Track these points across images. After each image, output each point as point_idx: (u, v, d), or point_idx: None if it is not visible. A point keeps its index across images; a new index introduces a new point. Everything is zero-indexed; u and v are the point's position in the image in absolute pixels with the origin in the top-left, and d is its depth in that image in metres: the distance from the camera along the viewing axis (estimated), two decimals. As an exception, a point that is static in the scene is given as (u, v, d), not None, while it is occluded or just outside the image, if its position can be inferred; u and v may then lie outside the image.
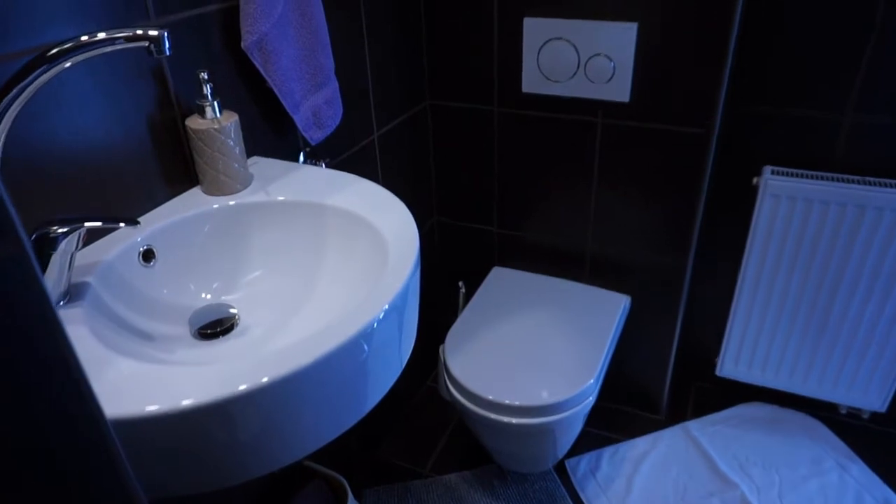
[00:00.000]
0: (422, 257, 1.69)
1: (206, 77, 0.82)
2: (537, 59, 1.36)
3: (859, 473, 1.54)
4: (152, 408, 0.54)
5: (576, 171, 1.46)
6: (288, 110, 1.00)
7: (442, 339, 1.42)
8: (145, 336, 0.73)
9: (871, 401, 1.54)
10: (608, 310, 1.48)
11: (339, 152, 1.24)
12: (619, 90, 1.33)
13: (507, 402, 1.25)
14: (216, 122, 0.84)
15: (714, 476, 1.54)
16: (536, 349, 1.36)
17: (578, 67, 1.33)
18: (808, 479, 1.53)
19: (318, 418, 0.67)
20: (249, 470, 0.64)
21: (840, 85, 1.32)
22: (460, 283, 1.68)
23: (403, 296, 0.71)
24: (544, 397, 1.25)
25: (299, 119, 1.03)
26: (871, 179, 1.34)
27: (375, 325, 0.67)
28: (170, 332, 0.75)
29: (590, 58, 1.31)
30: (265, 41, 0.91)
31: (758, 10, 1.30)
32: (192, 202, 0.84)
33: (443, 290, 1.80)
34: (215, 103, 0.84)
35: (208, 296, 0.81)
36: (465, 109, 1.51)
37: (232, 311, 0.80)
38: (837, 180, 1.34)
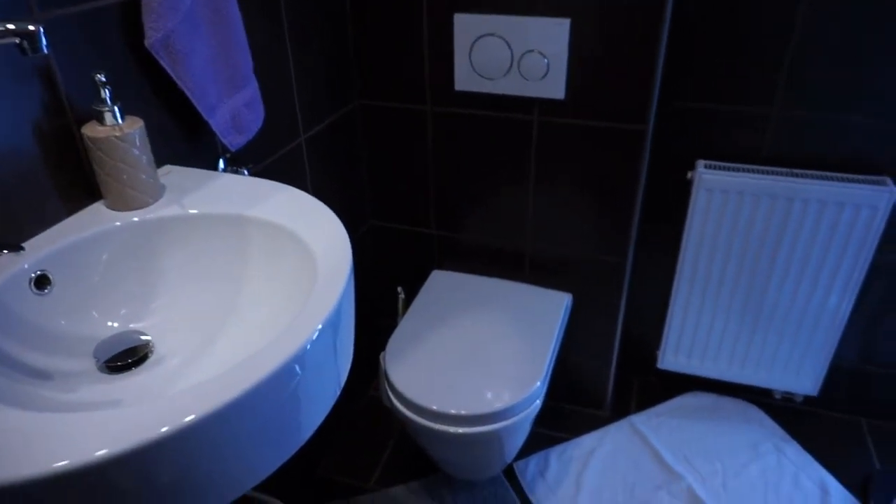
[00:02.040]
0: (358, 263, 1.62)
1: (102, 79, 0.74)
2: (469, 56, 1.32)
3: (795, 455, 1.58)
4: (58, 464, 0.46)
5: (513, 169, 1.43)
6: (203, 114, 0.92)
7: (383, 347, 1.36)
8: (41, 374, 0.64)
9: (804, 385, 1.58)
10: (551, 309, 1.46)
11: (263, 158, 1.16)
12: (554, 87, 1.30)
13: (452, 411, 1.20)
14: (117, 129, 0.75)
15: (660, 469, 1.55)
16: (480, 354, 1.32)
17: (512, 64, 1.30)
18: (749, 464, 1.55)
19: (251, 454, 0.61)
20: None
21: (767, 80, 1.34)
22: (399, 289, 1.63)
23: (337, 312, 0.65)
24: (490, 404, 1.21)
25: (216, 123, 0.95)
26: (798, 171, 1.37)
27: (309, 346, 0.61)
28: (72, 367, 0.67)
29: (523, 54, 1.28)
30: (172, 39, 0.83)
31: (687, 6, 1.30)
32: (92, 219, 0.75)
33: (382, 296, 1.74)
34: (115, 108, 0.75)
35: (115, 324, 0.73)
36: (397, 109, 1.46)
37: (144, 339, 0.72)
38: (767, 173, 1.37)
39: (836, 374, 1.61)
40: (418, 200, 1.57)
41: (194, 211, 0.78)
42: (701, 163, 1.42)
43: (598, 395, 1.71)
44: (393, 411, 1.28)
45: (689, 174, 1.42)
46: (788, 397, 1.70)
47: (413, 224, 1.61)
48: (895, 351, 1.56)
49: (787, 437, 1.63)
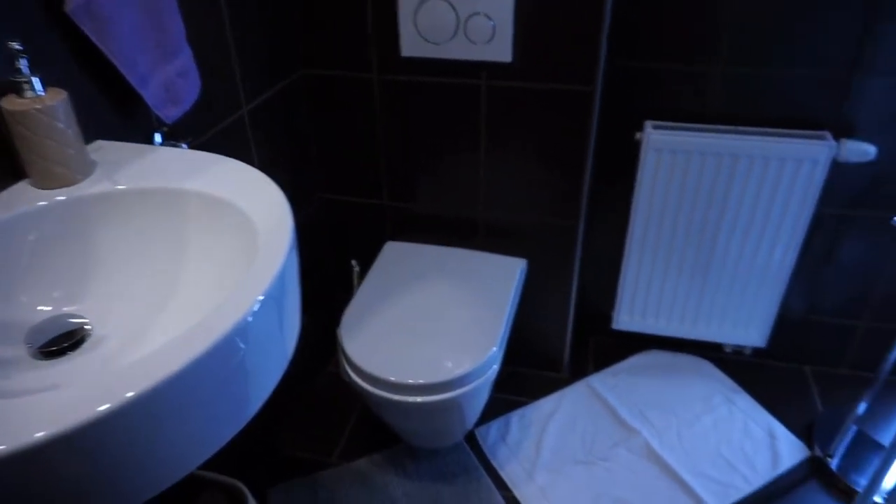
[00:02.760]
0: (311, 238, 1.59)
1: (19, 48, 0.69)
2: (415, 20, 1.29)
3: (745, 404, 1.64)
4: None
5: (463, 136, 1.42)
6: (134, 85, 0.87)
7: (340, 322, 1.35)
8: (-32, 364, 0.61)
9: (753, 337, 1.63)
10: (505, 275, 1.46)
11: (204, 131, 1.11)
12: (501, 50, 1.28)
13: (410, 381, 1.20)
14: (38, 101, 0.71)
15: (618, 426, 1.59)
16: (436, 323, 1.32)
17: (458, 28, 1.27)
18: (702, 416, 1.61)
19: (198, 429, 0.59)
20: (122, 501, 0.55)
21: (709, 39, 1.35)
22: (353, 262, 1.61)
23: (280, 283, 0.63)
24: (448, 372, 1.21)
25: (149, 95, 0.90)
26: (743, 129, 1.40)
27: (251, 318, 0.59)
28: (2, 354, 0.64)
29: (469, 17, 1.26)
30: (95, 4, 0.78)
31: (629, -36, 1.30)
32: (15, 199, 0.71)
33: (337, 270, 1.72)
34: (35, 80, 0.70)
35: (47, 308, 0.69)
36: (342, 78, 1.42)
37: (80, 322, 0.69)
38: (713, 132, 1.39)
39: (782, 326, 1.67)
40: (369, 171, 1.54)
41: (127, 187, 0.75)
42: (649, 123, 1.43)
43: (556, 357, 1.73)
44: (351, 385, 1.27)
45: (638, 135, 1.43)
46: (738, 350, 1.76)
47: (365, 196, 1.59)
48: (835, 301, 1.62)
49: (738, 388, 1.69)
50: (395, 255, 1.54)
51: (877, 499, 1.32)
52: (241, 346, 0.60)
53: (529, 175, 1.43)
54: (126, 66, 0.85)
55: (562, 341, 1.69)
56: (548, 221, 1.49)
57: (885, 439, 1.53)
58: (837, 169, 1.40)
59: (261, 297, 0.60)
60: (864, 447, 1.51)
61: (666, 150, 1.39)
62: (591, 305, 1.78)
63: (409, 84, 1.38)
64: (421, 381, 1.21)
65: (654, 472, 1.47)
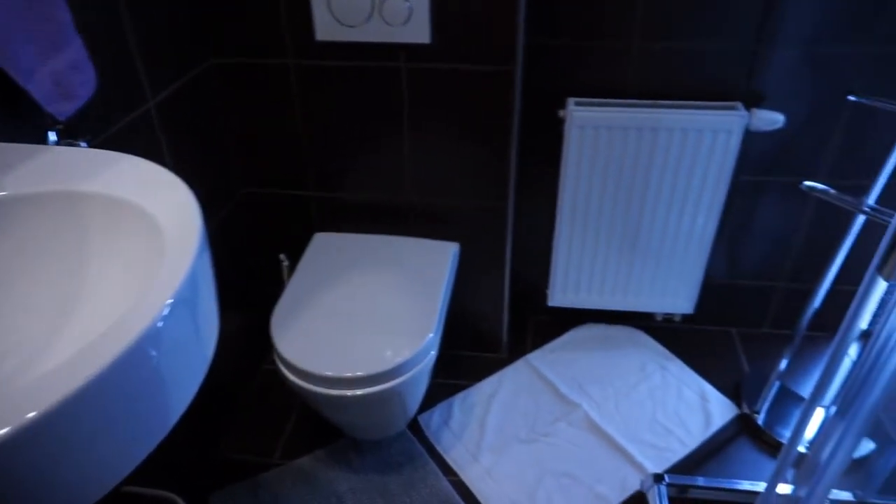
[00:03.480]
0: (236, 233, 1.53)
1: None
2: (328, 2, 1.24)
3: (677, 370, 1.70)
4: None
5: (386, 120, 1.39)
6: (18, 80, 0.80)
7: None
8: None
9: (681, 305, 1.69)
10: (438, 260, 1.45)
11: (105, 128, 1.04)
12: (419, 31, 1.26)
13: (347, 374, 1.18)
14: None
15: (558, 401, 1.61)
16: (370, 312, 1.30)
17: (373, 9, 1.24)
18: (637, 385, 1.65)
19: (114, 444, 0.55)
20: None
21: (625, 14, 1.36)
22: (282, 256, 1.56)
23: (191, 285, 0.59)
24: (385, 362, 1.19)
25: (36, 90, 0.83)
26: (662, 102, 1.43)
27: (161, 324, 0.55)
28: None
29: (383, -2, 1.22)
30: (-38, -8, 0.71)
31: (542, -60, 1.29)
32: None
33: (266, 265, 1.66)
34: None
35: (-69, 329, 0.63)
36: (256, 65, 1.36)
37: (-30, 342, 0.63)
38: (633, 106, 1.41)
39: (708, 292, 1.73)
40: (292, 162, 1.49)
41: (16, 191, 0.68)
42: (571, 100, 1.44)
43: (495, 338, 1.74)
44: (287, 383, 1.23)
45: (561, 112, 1.43)
46: (668, 318, 1.81)
47: (289, 187, 1.53)
48: (755, 264, 1.70)
49: (670, 354, 1.74)
50: (325, 247, 1.50)
51: (800, 448, 1.39)
52: (153, 353, 0.57)
53: (456, 157, 1.42)
54: (6, 59, 0.78)
55: (499, 322, 1.70)
56: (477, 203, 1.48)
57: (806, 392, 1.61)
58: (750, 137, 1.46)
59: (170, 301, 0.56)
60: (786, 401, 1.59)
61: (588, 126, 1.40)
62: (526, 284, 1.80)
63: (327, 69, 1.34)
64: (359, 373, 1.18)
65: (596, 444, 1.50)
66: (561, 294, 1.71)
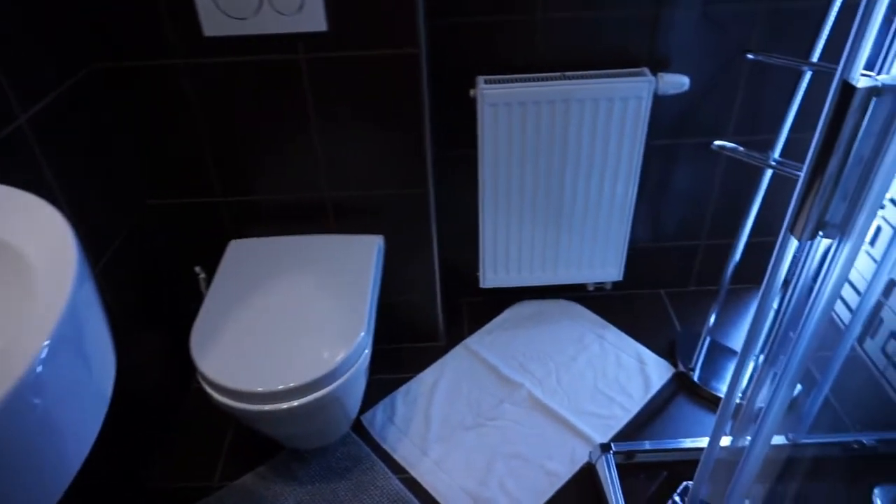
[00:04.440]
0: (144, 249, 1.43)
1: None
2: (212, -6, 1.16)
3: (614, 338, 1.72)
4: None
5: (291, 115, 1.32)
6: None
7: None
8: None
9: (610, 273, 1.70)
10: (362, 255, 1.40)
11: (-30, 150, 0.93)
12: (314, 19, 1.19)
13: (279, 387, 1.12)
14: None
15: (500, 382, 1.60)
16: (296, 319, 1.24)
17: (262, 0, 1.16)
18: (577, 357, 1.66)
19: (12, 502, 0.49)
20: None
21: (524, -16, 1.34)
22: (197, 269, 1.47)
23: (72, 321, 0.53)
24: (317, 368, 1.14)
25: None
26: (570, 74, 1.42)
27: (40, 368, 0.49)
28: None
29: (271, -15, 1.15)
30: None
31: (433, -85, 1.25)
32: None
33: (182, 280, 1.56)
34: None
35: None
36: (144, 68, 1.26)
37: None
38: (543, 80, 1.39)
39: (635, 257, 1.76)
40: (196, 168, 1.40)
41: None
42: (481, 79, 1.41)
43: (431, 327, 1.71)
44: (215, 404, 1.16)
45: (472, 92, 1.40)
46: (600, 287, 1.83)
47: (197, 195, 1.44)
48: (675, 225, 1.73)
49: (605, 323, 1.77)
50: (241, 254, 1.42)
51: (738, 400, 1.43)
52: (37, 401, 0.51)
53: (369, 148, 1.37)
54: None
55: (433, 309, 1.67)
56: (397, 193, 1.44)
57: (735, 344, 1.67)
58: (659, 102, 1.47)
59: (47, 343, 0.50)
60: (718, 355, 1.63)
61: (500, 103, 1.38)
62: (457, 268, 1.77)
63: (221, 66, 1.25)
64: (291, 384, 1.13)
65: (541, 421, 1.50)
66: (492, 275, 1.69)
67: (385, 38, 1.22)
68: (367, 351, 1.25)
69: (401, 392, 1.60)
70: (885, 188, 0.53)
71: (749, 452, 1.02)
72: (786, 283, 0.86)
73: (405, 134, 1.34)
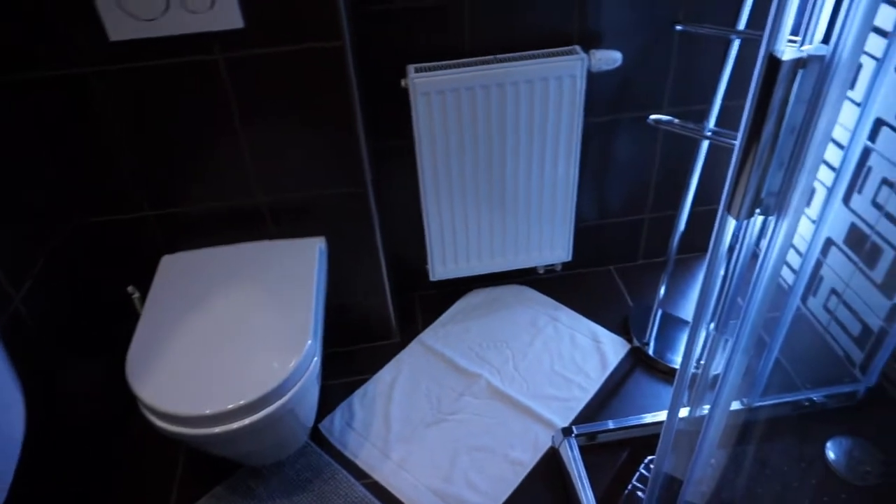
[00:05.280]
0: (75, 271, 1.34)
1: None
2: (113, -4, 1.08)
3: (567, 319, 1.72)
4: None
5: (214, 119, 1.25)
6: None
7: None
8: None
9: (559, 254, 1.70)
10: (303, 259, 1.35)
11: None
12: (228, 16, 1.13)
13: (228, 407, 1.06)
14: None
15: (458, 375, 1.58)
16: (238, 333, 1.18)
17: (170, -3, 1.09)
18: (532, 341, 1.65)
19: None
20: None
21: (447, -33, 1.30)
22: (130, 288, 1.39)
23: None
24: (266, 383, 1.09)
25: None
26: (502, 56, 1.39)
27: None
28: None
29: (178, -17, 1.08)
30: None
31: None
32: None
33: (118, 300, 1.48)
34: None
35: None
36: (49, 79, 1.17)
37: None
38: (474, 64, 1.36)
39: (582, 236, 1.76)
40: (119, 182, 1.31)
41: None
42: (412, 68, 1.37)
43: (384, 325, 1.67)
44: (160, 432, 1.10)
45: (403, 82, 1.36)
46: (550, 269, 1.82)
47: (123, 211, 1.36)
48: (620, 201, 1.73)
49: (558, 304, 1.76)
50: (176, 269, 1.35)
51: (693, 370, 1.44)
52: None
53: (301, 147, 1.31)
54: None
55: (384, 307, 1.63)
56: (335, 192, 1.39)
57: (685, 314, 1.69)
58: (593, 79, 1.46)
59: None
60: (670, 326, 1.65)
61: (433, 91, 1.34)
62: (405, 263, 1.73)
63: (133, 72, 1.17)
64: (241, 402, 1.07)
65: (502, 410, 1.48)
66: (441, 267, 1.66)
67: (306, 31, 1.16)
68: (316, 358, 1.20)
69: (358, 395, 1.56)
70: (819, 158, 0.52)
71: (709, 421, 1.02)
72: (730, 249, 0.86)
73: (337, 130, 1.29)
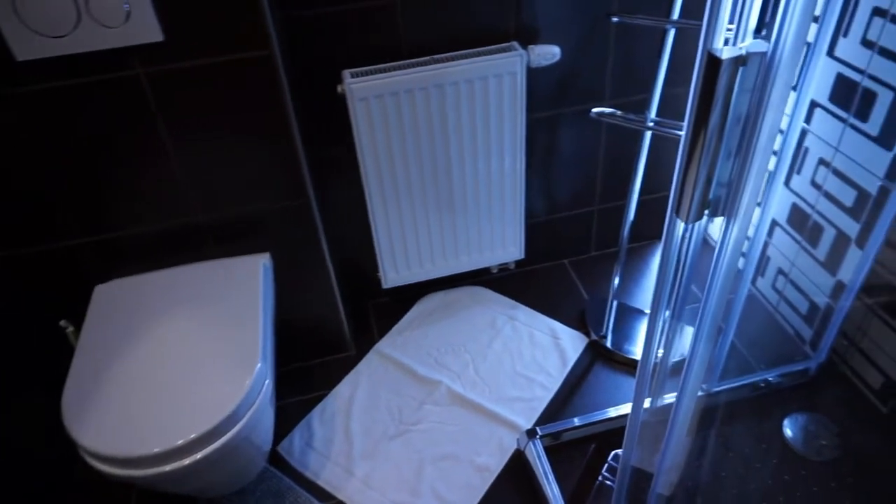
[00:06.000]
0: (2, 308, 1.25)
1: None
2: (16, 12, 1.00)
3: (525, 317, 1.70)
4: None
5: (141, 138, 1.18)
6: None
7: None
8: None
9: (512, 252, 1.68)
10: (248, 278, 1.29)
11: None
12: (146, 29, 1.06)
13: (178, 442, 1.00)
14: None
15: (418, 383, 1.54)
16: (182, 362, 1.12)
17: (79, 13, 1.02)
18: (491, 343, 1.63)
19: None
20: None
21: (377, -33, 1.26)
22: (63, 323, 1.31)
23: None
24: (215, 413, 1.03)
25: None
26: (439, 56, 1.36)
27: None
28: None
29: (88, -4, 1.01)
30: None
31: None
32: None
33: (51, 339, 1.39)
34: None
35: None
36: (-50, 106, 1.08)
37: None
38: (411, 66, 1.32)
39: (533, 232, 1.75)
40: (44, 210, 1.23)
41: None
42: (347, 73, 1.32)
43: (339, 337, 1.62)
44: (103, 476, 1.03)
45: (340, 88, 1.31)
46: (504, 267, 1.81)
47: (50, 241, 1.27)
48: (568, 194, 1.73)
49: (515, 303, 1.74)
50: (111, 299, 1.27)
51: (656, 360, 1.45)
52: None
53: (237, 162, 1.25)
54: None
55: (337, 319, 1.59)
56: (277, 205, 1.33)
57: (641, 303, 1.69)
58: (533, 74, 1.44)
59: None
60: (627, 317, 1.65)
61: (371, 96, 1.30)
62: (357, 272, 1.69)
63: (48, 93, 1.09)
64: (192, 436, 1.01)
65: (465, 416, 1.46)
66: (394, 273, 1.62)
67: (232, 41, 1.11)
68: (268, 381, 1.15)
69: (316, 412, 1.51)
70: (767, 156, 0.51)
71: (676, 413, 1.02)
72: (682, 238, 0.85)
73: (274, 142, 1.24)
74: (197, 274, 1.31)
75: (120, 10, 1.02)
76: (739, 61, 0.45)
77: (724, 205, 0.55)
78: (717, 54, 0.45)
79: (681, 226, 0.61)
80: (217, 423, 1.04)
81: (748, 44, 0.46)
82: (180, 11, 1.06)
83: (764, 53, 0.45)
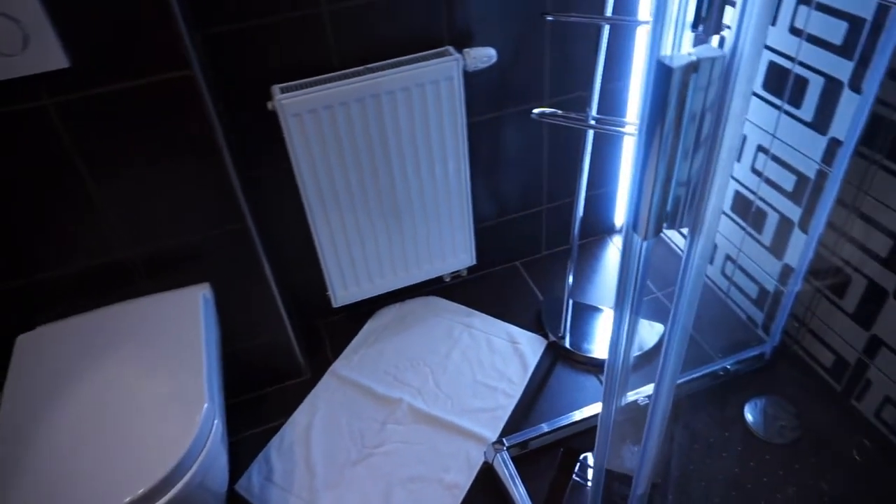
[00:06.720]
0: None
1: None
2: None
3: (481, 324, 1.67)
4: None
5: (57, 173, 1.09)
6: None
7: None
8: None
9: (463, 259, 1.64)
10: (186, 312, 1.21)
11: None
12: (49, 55, 0.97)
13: (126, 500, 0.92)
14: None
15: (378, 404, 1.49)
16: (122, 411, 1.04)
17: (-27, 41, 0.92)
18: (450, 353, 1.60)
19: None
20: None
21: (300, -24, 1.20)
22: (-16, 378, 1.20)
23: None
24: (164, 462, 0.96)
25: None
26: (374, 66, 1.31)
27: None
28: None
29: (-20, 23, 0.92)
30: None
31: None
32: None
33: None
34: None
35: None
36: None
37: None
38: (344, 77, 1.27)
39: (484, 237, 1.72)
40: (-54, 260, 1.12)
41: None
42: (277, 88, 1.26)
43: (291, 362, 1.56)
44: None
45: (270, 104, 1.25)
46: (457, 275, 1.77)
47: (-41, 291, 1.17)
48: (516, 196, 1.70)
49: (470, 310, 1.71)
50: (36, 349, 1.17)
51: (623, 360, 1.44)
52: None
53: (165, 190, 1.17)
54: None
55: (288, 343, 1.52)
56: (212, 232, 1.26)
57: (596, 300, 1.69)
58: (471, 78, 1.41)
59: None
60: (583, 315, 1.64)
61: (304, 111, 1.24)
62: (305, 292, 1.63)
63: (-58, 133, 1.00)
64: (140, 491, 0.93)
65: (429, 433, 1.42)
66: (343, 291, 1.57)
67: (147, 63, 1.03)
68: (217, 420, 1.08)
69: (274, 444, 1.44)
70: (729, 168, 0.49)
71: (653, 414, 1.00)
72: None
73: (203, 166, 1.17)
74: (131, 312, 1.22)
75: (16, 36, 0.94)
76: (691, 68, 0.42)
77: (682, 216, 0.53)
78: (668, 63, 0.42)
79: (638, 243, 0.58)
80: (166, 473, 0.96)
81: (699, 49, 0.43)
82: (86, 35, 0.98)
83: (715, 59, 0.42)
